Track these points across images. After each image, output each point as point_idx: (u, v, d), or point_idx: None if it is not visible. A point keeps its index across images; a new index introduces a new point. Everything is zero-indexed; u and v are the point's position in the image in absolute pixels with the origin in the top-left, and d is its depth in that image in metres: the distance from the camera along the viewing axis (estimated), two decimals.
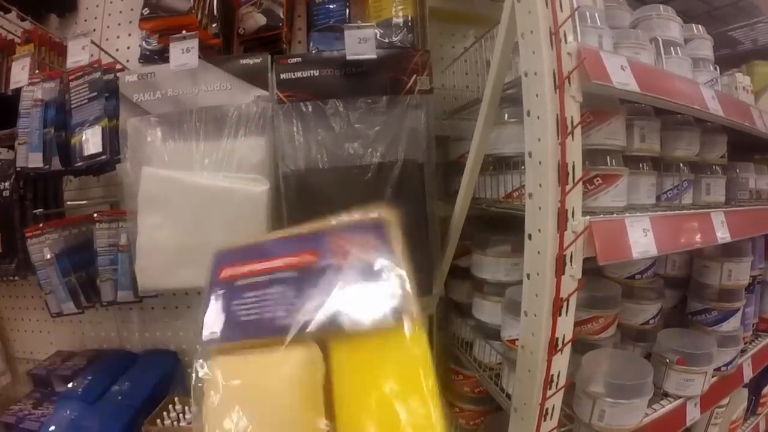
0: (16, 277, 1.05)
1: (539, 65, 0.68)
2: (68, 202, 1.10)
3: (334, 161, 0.84)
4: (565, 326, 0.69)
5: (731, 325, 1.10)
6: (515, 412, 0.79)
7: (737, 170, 1.14)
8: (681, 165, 0.97)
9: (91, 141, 0.92)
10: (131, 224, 0.84)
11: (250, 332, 0.41)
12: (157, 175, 0.82)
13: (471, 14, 1.12)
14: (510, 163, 0.88)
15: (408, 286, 0.41)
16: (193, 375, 0.41)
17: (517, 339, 0.84)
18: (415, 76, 0.88)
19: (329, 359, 0.40)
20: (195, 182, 0.80)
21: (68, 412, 0.96)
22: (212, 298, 0.45)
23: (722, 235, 0.90)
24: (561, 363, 0.71)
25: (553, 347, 0.69)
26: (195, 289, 1.02)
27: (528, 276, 0.71)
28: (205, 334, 0.42)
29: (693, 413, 1.02)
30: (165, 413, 0.91)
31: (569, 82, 0.67)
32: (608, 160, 0.82)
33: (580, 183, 0.66)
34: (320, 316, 0.40)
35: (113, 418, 0.91)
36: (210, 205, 0.78)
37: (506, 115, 0.89)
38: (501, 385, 0.98)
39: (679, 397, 1.00)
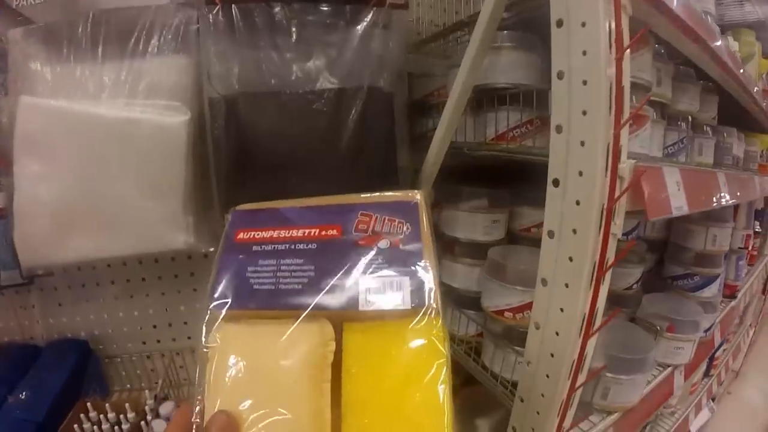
0: None
1: None
2: None
3: (279, 85, 0.56)
4: (603, 299, 0.47)
5: (711, 291, 0.96)
6: (522, 403, 0.57)
7: (724, 134, 0.98)
8: (689, 119, 0.79)
9: None
10: (7, 179, 0.53)
11: (264, 302, 0.35)
12: (39, 105, 0.50)
13: None
14: (505, 97, 0.63)
15: (432, 278, 0.34)
16: (202, 339, 0.33)
17: (514, 311, 0.63)
18: None
19: (341, 340, 0.33)
20: (90, 113, 0.50)
21: None
22: (226, 260, 0.38)
23: (725, 197, 0.73)
24: (593, 345, 0.49)
25: (590, 326, 0.46)
26: (95, 262, 0.71)
27: (551, 234, 0.47)
28: (215, 297, 0.35)
29: (679, 381, 0.87)
30: (76, 425, 0.62)
31: None
32: (635, 96, 0.60)
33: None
34: (337, 295, 0.34)
35: None
36: (110, 143, 0.49)
37: (499, 39, 0.64)
38: (483, 363, 0.75)
39: (668, 366, 0.83)
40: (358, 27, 0.58)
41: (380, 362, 0.32)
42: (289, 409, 0.30)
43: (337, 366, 0.32)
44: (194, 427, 0.31)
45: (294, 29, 0.55)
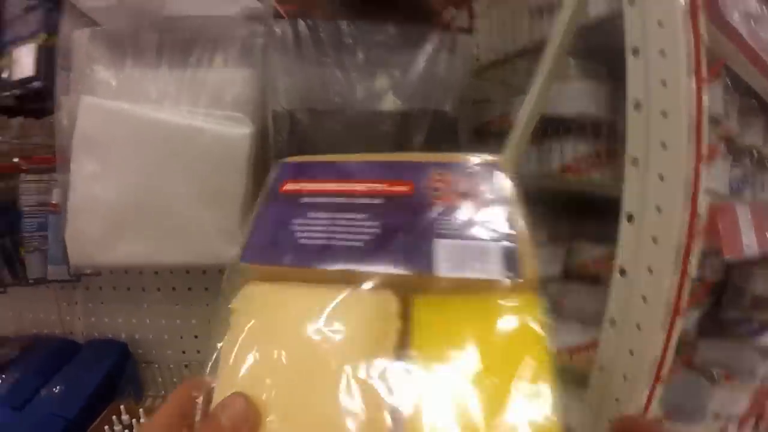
0: None
1: None
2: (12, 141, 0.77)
3: (344, 103, 0.55)
4: (674, 343, 0.44)
5: None
6: None
7: None
8: (754, 153, 0.76)
9: (23, 61, 0.62)
10: (64, 175, 0.54)
11: (311, 259, 0.28)
12: (101, 107, 0.52)
13: None
14: (569, 127, 0.61)
15: (528, 244, 0.27)
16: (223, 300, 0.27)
17: (571, 351, 0.60)
18: (452, 8, 0.61)
19: (410, 318, 0.25)
20: (152, 118, 0.51)
21: None
22: (266, 211, 0.31)
23: None
24: (659, 391, 0.46)
25: (660, 371, 0.44)
26: (143, 268, 0.73)
27: (623, 272, 0.45)
28: (248, 250, 0.29)
29: None
30: (107, 427, 0.63)
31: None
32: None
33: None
34: (408, 258, 0.26)
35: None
36: (170, 150, 0.50)
37: (567, 67, 0.63)
38: None
39: (722, 416, 0.78)
40: (424, 50, 0.58)
41: (462, 348, 0.24)
42: (329, 405, 0.22)
43: (400, 347, 0.25)
44: (197, 405, 0.25)
45: (360, 48, 0.55)
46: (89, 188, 0.51)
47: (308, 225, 0.29)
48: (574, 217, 0.70)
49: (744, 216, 0.51)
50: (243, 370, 0.24)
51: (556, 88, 0.65)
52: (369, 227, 0.28)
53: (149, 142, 0.50)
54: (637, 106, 0.44)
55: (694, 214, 0.40)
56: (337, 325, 0.24)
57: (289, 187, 0.32)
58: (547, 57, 0.59)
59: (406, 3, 0.58)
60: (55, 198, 0.61)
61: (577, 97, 0.63)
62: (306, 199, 0.31)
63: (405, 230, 0.28)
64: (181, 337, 0.83)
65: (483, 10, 0.82)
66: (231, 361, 0.24)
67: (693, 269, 0.43)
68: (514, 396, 0.21)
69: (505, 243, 0.27)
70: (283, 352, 0.24)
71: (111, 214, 0.50)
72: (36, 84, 0.61)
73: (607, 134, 0.57)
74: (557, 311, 0.65)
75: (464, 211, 0.28)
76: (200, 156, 0.50)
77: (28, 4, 0.65)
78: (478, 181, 0.30)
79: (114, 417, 0.64)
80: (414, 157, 0.33)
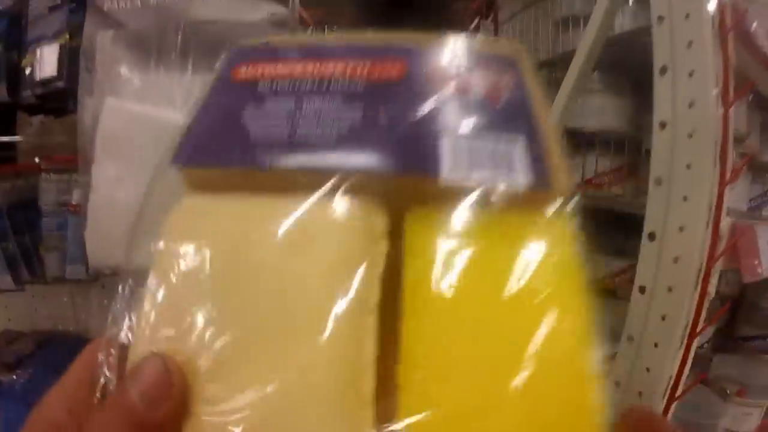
0: None
1: (696, 3, 0.43)
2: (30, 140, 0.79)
3: None
4: (690, 361, 0.45)
5: None
6: None
7: None
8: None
9: (45, 61, 0.63)
10: (85, 177, 0.56)
11: (265, 158, 0.21)
12: (124, 109, 0.53)
13: None
14: (593, 141, 0.62)
15: (557, 148, 0.20)
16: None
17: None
18: (478, 18, 0.62)
19: (402, 239, 0.19)
20: (170, 120, 0.51)
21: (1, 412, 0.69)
22: (210, 103, 0.24)
23: None
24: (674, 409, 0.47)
25: (676, 389, 0.45)
26: None
27: (643, 289, 0.46)
28: (182, 152, 0.23)
29: None
30: None
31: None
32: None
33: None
34: (399, 153, 0.20)
35: None
36: None
37: (591, 82, 0.64)
38: None
39: None
40: None
41: (472, 280, 0.18)
42: (293, 359, 0.17)
43: (390, 284, 0.19)
44: (103, 367, 0.19)
45: None
46: (111, 190, 0.52)
47: (264, 116, 0.23)
48: (592, 231, 0.71)
49: (764, 237, 0.52)
50: (168, 318, 0.18)
51: (580, 101, 0.66)
52: (345, 116, 0.22)
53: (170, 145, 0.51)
54: (663, 125, 0.44)
55: (715, 235, 0.41)
56: (302, 247, 0.19)
57: (243, 73, 0.25)
58: (573, 69, 0.60)
59: (431, 11, 0.58)
60: (75, 198, 0.62)
61: (601, 112, 0.64)
62: (264, 86, 0.24)
63: (393, 121, 0.21)
64: None
65: (506, 20, 0.83)
66: (153, 305, 0.19)
67: (713, 288, 0.44)
68: (541, 348, 0.16)
69: (530, 144, 0.21)
70: (227, 290, 0.18)
71: (131, 215, 0.51)
72: (59, 84, 0.62)
73: (629, 150, 0.58)
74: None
75: (475, 102, 0.22)
76: None
77: (51, 4, 0.67)
78: (491, 68, 0.23)
79: None
80: (409, 38, 0.25)
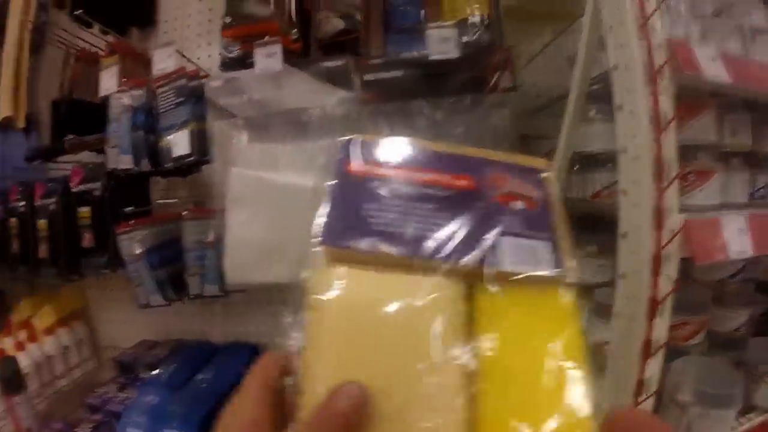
0: (107, 271, 1.13)
1: (629, 58, 0.68)
2: (158, 201, 1.18)
3: None
4: (660, 330, 0.67)
5: None
6: None
7: None
8: None
9: (179, 143, 0.98)
10: (219, 221, 0.89)
11: (388, 244, 0.32)
12: (245, 175, 0.86)
13: (546, 12, 1.10)
14: (597, 160, 0.86)
15: (568, 242, 0.35)
16: (304, 284, 0.31)
17: (605, 344, 0.83)
18: (497, 73, 0.88)
19: (474, 304, 0.32)
20: (281, 182, 0.83)
21: (151, 397, 1.02)
22: (338, 191, 0.35)
23: None
24: (654, 368, 0.68)
25: (648, 351, 0.67)
26: (281, 285, 1.07)
27: (622, 276, 0.69)
28: (326, 233, 0.32)
29: None
30: None
31: (661, 76, 0.67)
32: (700, 156, 0.79)
33: (677, 180, 0.65)
34: (474, 251, 0.32)
35: (196, 404, 0.96)
36: (296, 204, 0.81)
37: (593, 111, 0.88)
38: None
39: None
40: (478, 110, 0.85)
41: (519, 332, 0.31)
42: (421, 387, 0.27)
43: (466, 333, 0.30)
44: (279, 379, 0.30)
45: (428, 118, 0.82)
46: (241, 231, 0.85)
47: (381, 210, 0.33)
48: (599, 235, 0.93)
49: (734, 225, 0.72)
50: (334, 351, 0.29)
51: (585, 129, 0.89)
52: (439, 217, 0.33)
53: (282, 197, 0.81)
54: (625, 150, 0.68)
55: (659, 231, 0.64)
56: (423, 308, 0.29)
57: (355, 167, 0.36)
58: (570, 103, 0.84)
59: (458, 76, 0.86)
60: (210, 237, 0.97)
61: (600, 136, 0.87)
62: (375, 183, 0.35)
63: (471, 225, 0.33)
64: None
65: (524, 65, 1.09)
66: (319, 342, 0.29)
67: (671, 272, 0.65)
68: (560, 376, 0.28)
69: (555, 245, 0.34)
70: (367, 332, 0.29)
71: (257, 246, 0.83)
72: (191, 159, 0.97)
73: None
74: (607, 311, 0.87)
75: (519, 212, 0.35)
76: (318, 208, 0.81)
77: (176, 101, 1.02)
78: (529, 183, 0.37)
79: None
80: (474, 152, 0.39)
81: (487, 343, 0.30)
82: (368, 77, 0.86)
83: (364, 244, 0.32)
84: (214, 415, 0.94)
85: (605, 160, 0.85)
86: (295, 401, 0.28)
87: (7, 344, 1.23)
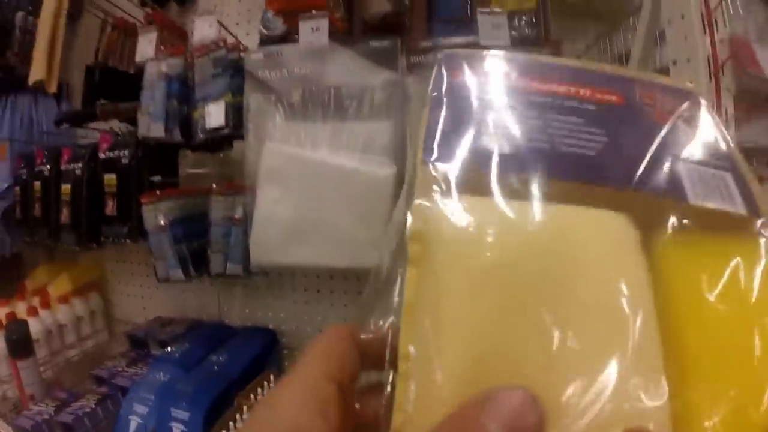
0: (128, 240, 1.10)
1: (692, 52, 0.65)
2: (188, 170, 1.15)
3: None
4: None
5: None
6: None
7: None
8: None
9: (213, 114, 0.95)
10: (249, 198, 0.86)
11: (530, 165, 0.24)
12: (280, 150, 0.83)
13: (595, 9, 1.07)
14: None
15: (755, 179, 0.27)
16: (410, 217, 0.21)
17: None
18: None
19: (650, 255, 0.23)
20: (318, 160, 0.79)
21: (162, 374, 0.99)
22: (447, 102, 0.27)
23: None
24: None
25: None
26: (307, 268, 1.04)
27: None
28: (436, 149, 0.24)
29: None
30: (259, 389, 0.92)
31: (723, 71, 0.64)
32: (754, 161, 0.76)
33: None
34: (654, 177, 0.25)
35: (207, 385, 0.93)
36: (331, 184, 0.78)
37: None
38: None
39: None
40: None
41: (717, 287, 0.22)
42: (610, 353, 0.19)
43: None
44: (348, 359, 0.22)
45: None
46: (271, 208, 0.81)
47: (516, 123, 0.26)
48: None
49: None
50: (452, 313, 0.19)
51: None
52: (595, 135, 0.26)
53: (316, 177, 0.78)
54: None
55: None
56: (587, 252, 0.21)
57: (469, 77, 0.28)
58: None
59: None
60: (238, 214, 0.94)
61: None
62: (499, 93, 0.27)
63: (636, 146, 0.26)
64: (320, 330, 1.15)
65: None
66: (425, 302, 0.20)
67: None
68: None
69: (738, 175, 0.26)
70: (511, 290, 0.20)
71: (287, 226, 0.79)
72: (225, 131, 0.94)
73: None
74: None
75: (686, 134, 0.27)
76: (355, 188, 0.76)
77: (214, 72, 1.00)
78: (684, 104, 0.29)
79: (265, 382, 0.94)
80: (609, 67, 0.31)
81: (680, 299, 0.22)
82: (416, 59, 0.83)
83: (511, 166, 0.24)
84: (224, 398, 0.91)
85: None
86: (380, 403, 0.19)
87: (20, 308, 1.21)
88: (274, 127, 0.85)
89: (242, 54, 0.98)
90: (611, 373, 0.18)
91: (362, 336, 0.22)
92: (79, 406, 1.00)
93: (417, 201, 0.22)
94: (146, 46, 1.09)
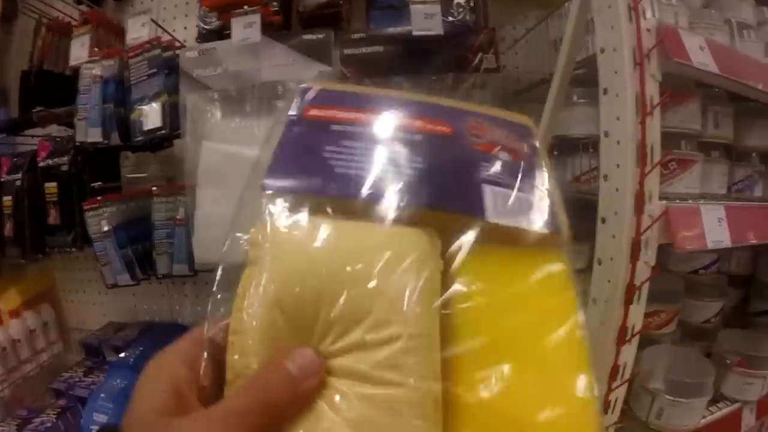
0: (73, 249, 1.07)
1: (618, 41, 0.65)
2: (128, 175, 1.12)
3: None
4: (636, 315, 0.65)
5: None
6: None
7: None
8: (753, 155, 0.93)
9: (150, 116, 0.93)
10: (190, 198, 0.84)
11: (353, 190, 0.27)
12: (218, 148, 0.81)
13: None
14: (579, 145, 0.84)
15: (561, 202, 0.31)
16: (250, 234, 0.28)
17: None
18: (480, 54, 0.85)
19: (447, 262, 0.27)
20: (254, 157, 0.78)
21: (119, 381, 0.98)
22: (291, 134, 0.30)
23: None
24: (629, 354, 0.67)
25: (623, 337, 0.65)
26: None
27: (599, 261, 0.67)
28: (274, 175, 0.28)
29: (748, 419, 0.97)
30: None
31: (648, 60, 0.65)
32: (683, 144, 0.78)
33: (658, 166, 0.63)
34: (456, 196, 0.28)
35: None
36: None
37: (575, 95, 0.85)
38: None
39: (736, 401, 0.95)
40: (460, 91, 0.82)
41: (505, 293, 0.27)
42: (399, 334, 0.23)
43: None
44: (208, 343, 0.27)
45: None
46: (211, 207, 0.80)
47: (344, 153, 0.29)
48: (579, 219, 0.91)
49: (714, 215, 0.71)
50: (275, 304, 0.25)
51: (566, 113, 0.87)
52: (414, 161, 0.29)
53: None
54: (606, 134, 0.66)
55: (640, 216, 0.62)
56: (389, 260, 0.25)
57: (315, 113, 0.31)
58: (553, 87, 0.82)
59: (442, 56, 0.83)
60: (179, 214, 0.92)
61: (582, 121, 0.85)
62: (336, 127, 0.30)
63: (450, 170, 0.29)
64: None
65: (507, 48, 1.06)
66: (257, 297, 0.25)
67: (650, 258, 0.64)
68: (553, 337, 0.26)
69: (545, 197, 0.30)
70: (326, 289, 0.24)
71: (227, 225, 0.79)
72: (163, 131, 0.92)
73: None
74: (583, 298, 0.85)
75: (504, 162, 0.30)
76: None
77: (149, 72, 0.97)
78: (512, 136, 0.33)
79: None
80: (450, 102, 0.34)
81: (469, 303, 0.26)
82: (348, 52, 0.82)
83: (328, 189, 0.28)
84: None
85: (586, 145, 0.83)
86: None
87: None
88: (212, 126, 0.83)
89: (177, 52, 0.95)
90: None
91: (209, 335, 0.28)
92: (40, 422, 0.99)
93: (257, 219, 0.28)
94: (79, 49, 1.05)
